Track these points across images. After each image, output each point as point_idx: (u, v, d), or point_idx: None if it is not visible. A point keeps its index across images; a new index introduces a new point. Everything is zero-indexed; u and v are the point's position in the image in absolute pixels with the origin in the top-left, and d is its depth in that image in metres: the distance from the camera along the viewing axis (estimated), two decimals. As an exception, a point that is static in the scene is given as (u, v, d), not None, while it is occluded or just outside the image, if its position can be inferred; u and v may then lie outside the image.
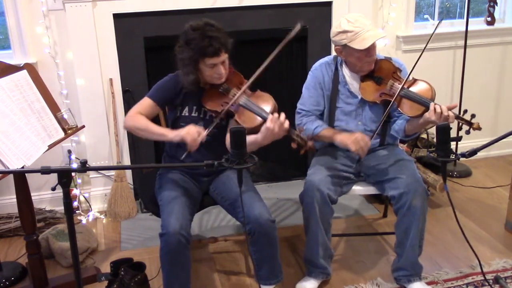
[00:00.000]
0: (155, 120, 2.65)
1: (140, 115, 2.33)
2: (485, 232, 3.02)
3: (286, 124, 2.15)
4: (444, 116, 2.21)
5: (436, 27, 2.37)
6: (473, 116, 2.24)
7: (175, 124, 2.42)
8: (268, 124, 2.14)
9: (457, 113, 2.27)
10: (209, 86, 2.35)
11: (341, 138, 2.40)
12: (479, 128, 2.24)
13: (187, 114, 2.39)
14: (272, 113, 2.23)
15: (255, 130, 2.23)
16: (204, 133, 2.21)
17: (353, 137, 2.35)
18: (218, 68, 2.24)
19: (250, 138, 2.23)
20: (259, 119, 2.23)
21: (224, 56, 2.24)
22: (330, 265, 2.54)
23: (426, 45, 2.35)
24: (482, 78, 3.93)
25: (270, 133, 2.15)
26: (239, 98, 2.28)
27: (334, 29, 2.38)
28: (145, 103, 2.37)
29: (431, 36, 2.33)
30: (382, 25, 3.52)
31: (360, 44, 2.29)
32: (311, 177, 2.39)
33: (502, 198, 3.38)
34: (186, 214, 2.23)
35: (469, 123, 2.25)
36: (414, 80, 2.39)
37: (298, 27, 2.25)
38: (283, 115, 2.16)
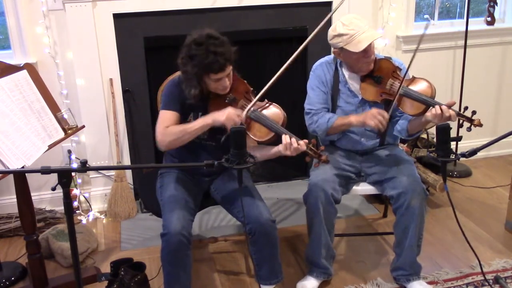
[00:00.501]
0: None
1: (169, 127, 2.25)
2: (485, 232, 3.02)
3: (301, 146, 2.13)
4: (445, 116, 2.21)
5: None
6: (473, 112, 2.24)
7: None
8: (282, 149, 2.15)
9: (458, 110, 2.27)
10: (214, 95, 2.31)
11: (357, 118, 2.38)
12: (480, 125, 2.24)
13: (192, 120, 2.35)
14: (282, 125, 2.22)
15: (266, 143, 2.23)
16: (243, 114, 2.17)
17: (369, 113, 2.34)
18: (223, 81, 2.21)
19: (261, 153, 2.24)
20: (271, 133, 2.21)
21: (229, 69, 2.21)
22: (332, 266, 2.55)
23: (418, 45, 2.34)
24: (482, 78, 3.92)
25: (282, 154, 2.17)
26: (249, 112, 2.23)
27: (331, 32, 2.39)
28: (166, 115, 2.28)
29: (422, 37, 2.30)
30: (382, 25, 3.52)
31: (355, 47, 2.29)
32: (314, 177, 2.39)
33: (502, 198, 3.38)
34: (187, 214, 2.23)
35: (470, 120, 2.25)
36: (414, 79, 2.39)
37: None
38: (294, 141, 2.13)
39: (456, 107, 2.28)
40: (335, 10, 2.27)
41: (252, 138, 2.23)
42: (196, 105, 2.31)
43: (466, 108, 2.28)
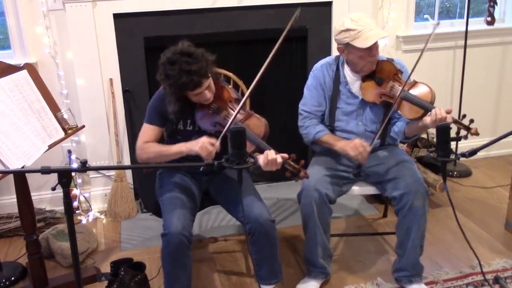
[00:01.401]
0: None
1: (148, 144, 2.30)
2: (485, 232, 3.02)
3: (279, 160, 2.11)
4: (441, 118, 2.22)
5: (430, 38, 2.36)
6: (471, 121, 2.24)
7: (172, 136, 2.41)
8: (263, 165, 2.12)
9: (456, 117, 2.27)
10: (199, 104, 2.30)
11: (341, 145, 2.40)
12: (477, 134, 2.24)
13: (182, 128, 2.37)
14: (263, 138, 2.21)
15: None
16: (217, 143, 2.16)
17: (352, 143, 2.35)
18: (203, 94, 2.21)
19: None
20: (253, 146, 2.20)
21: (207, 82, 2.19)
22: (330, 265, 2.54)
23: (423, 49, 2.34)
24: (482, 78, 3.92)
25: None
26: (231, 124, 2.20)
27: (337, 27, 2.37)
28: (146, 130, 2.34)
29: (429, 40, 2.31)
30: (382, 25, 3.52)
31: (362, 43, 2.29)
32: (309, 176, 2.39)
33: (502, 198, 3.38)
34: (187, 214, 2.23)
35: (467, 128, 2.25)
36: (415, 83, 2.39)
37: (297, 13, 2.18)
38: (272, 154, 2.11)
39: (456, 108, 2.28)
40: (293, 19, 2.24)
41: None
42: (184, 112, 2.31)
43: (464, 116, 2.28)
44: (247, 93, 2.22)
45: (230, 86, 2.39)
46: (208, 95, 2.23)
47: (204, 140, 2.16)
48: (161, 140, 2.40)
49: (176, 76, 2.11)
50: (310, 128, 2.50)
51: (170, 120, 2.35)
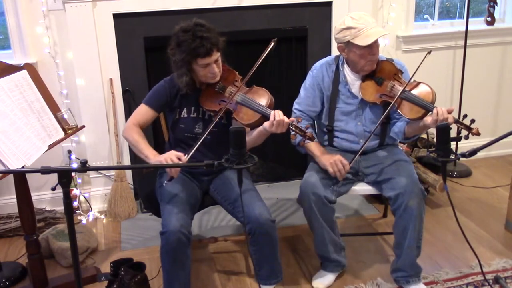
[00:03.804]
0: (155, 122, 2.66)
1: (136, 128, 2.33)
2: (485, 232, 3.02)
3: (286, 121, 2.17)
4: (443, 119, 2.22)
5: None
6: (472, 121, 2.24)
7: (174, 126, 2.42)
8: (268, 126, 2.17)
9: (457, 117, 2.27)
10: (205, 86, 2.36)
11: (321, 159, 2.41)
12: (478, 134, 2.24)
13: (185, 115, 2.39)
14: (269, 106, 2.25)
15: (254, 125, 2.26)
16: (185, 158, 2.17)
17: (333, 159, 2.36)
18: (212, 67, 2.25)
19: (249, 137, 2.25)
20: (257, 114, 2.25)
21: (216, 55, 2.24)
22: (344, 256, 2.57)
23: (424, 57, 2.34)
24: (482, 78, 3.92)
25: (270, 132, 2.19)
26: (236, 96, 2.29)
27: (338, 26, 2.37)
28: (142, 110, 2.37)
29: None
30: (382, 25, 3.52)
31: (363, 41, 2.28)
32: (305, 181, 2.40)
33: (502, 198, 3.38)
34: (187, 212, 2.24)
35: (469, 128, 2.25)
36: (416, 83, 2.39)
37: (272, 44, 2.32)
38: (280, 113, 2.17)
39: (456, 108, 2.28)
40: (269, 49, 2.32)
41: (239, 122, 2.27)
42: (188, 99, 2.35)
43: (465, 115, 2.28)
44: (253, 68, 2.28)
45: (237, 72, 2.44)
46: (216, 69, 2.26)
47: (170, 155, 2.17)
48: (155, 129, 2.36)
49: (189, 41, 2.17)
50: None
51: (172, 107, 2.38)
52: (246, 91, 2.34)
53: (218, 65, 2.28)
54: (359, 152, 2.40)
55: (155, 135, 3.37)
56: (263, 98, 2.30)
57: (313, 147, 2.47)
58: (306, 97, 2.54)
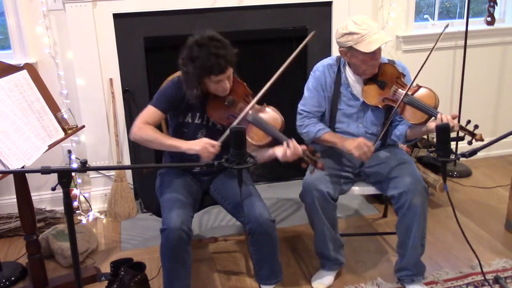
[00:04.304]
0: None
1: (147, 125, 2.28)
2: (485, 232, 3.02)
3: (299, 150, 2.15)
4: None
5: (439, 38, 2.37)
6: (476, 127, 2.24)
7: (177, 129, 2.40)
8: (281, 155, 2.16)
9: (460, 122, 2.27)
10: (213, 95, 2.31)
11: (343, 144, 2.39)
12: (481, 139, 2.24)
13: (190, 120, 2.37)
14: (280, 129, 2.23)
15: (263, 146, 2.23)
16: (218, 144, 2.16)
17: (356, 143, 2.34)
18: (224, 83, 2.22)
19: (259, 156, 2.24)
20: (269, 137, 2.22)
21: (230, 71, 2.21)
22: (343, 255, 2.57)
23: (430, 53, 2.34)
24: (482, 78, 3.92)
25: (279, 158, 2.18)
26: (247, 115, 2.24)
27: (340, 30, 2.35)
28: (150, 111, 2.31)
29: (435, 45, 2.32)
30: (382, 25, 3.52)
31: (366, 47, 2.27)
32: (308, 177, 2.39)
33: (502, 198, 3.38)
34: (187, 210, 2.23)
35: (472, 134, 2.25)
36: (418, 87, 2.38)
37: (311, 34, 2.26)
38: (295, 144, 2.15)
39: (456, 108, 2.28)
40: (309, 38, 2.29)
41: (249, 141, 2.23)
42: (195, 105, 2.31)
43: (468, 121, 2.27)
44: (265, 87, 2.23)
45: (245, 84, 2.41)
46: (227, 85, 2.24)
47: (205, 141, 2.16)
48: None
49: (204, 58, 2.12)
50: (310, 126, 2.49)
51: (177, 110, 2.34)
52: (258, 109, 2.29)
53: (230, 80, 2.25)
54: (380, 136, 2.38)
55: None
56: (275, 121, 2.25)
57: (328, 136, 2.46)
58: (311, 98, 2.53)
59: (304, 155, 2.15)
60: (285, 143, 2.16)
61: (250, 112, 2.24)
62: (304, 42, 2.29)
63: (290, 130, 2.31)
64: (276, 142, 2.21)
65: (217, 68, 2.13)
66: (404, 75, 2.42)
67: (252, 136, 2.24)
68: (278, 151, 2.18)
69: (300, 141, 2.27)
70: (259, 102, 2.29)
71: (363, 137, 2.38)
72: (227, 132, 2.19)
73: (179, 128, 2.39)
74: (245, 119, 2.23)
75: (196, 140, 2.20)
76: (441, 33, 2.31)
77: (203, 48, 2.13)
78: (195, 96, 2.24)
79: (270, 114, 2.28)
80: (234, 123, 2.20)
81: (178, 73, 2.37)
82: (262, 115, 2.27)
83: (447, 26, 2.36)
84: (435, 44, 2.32)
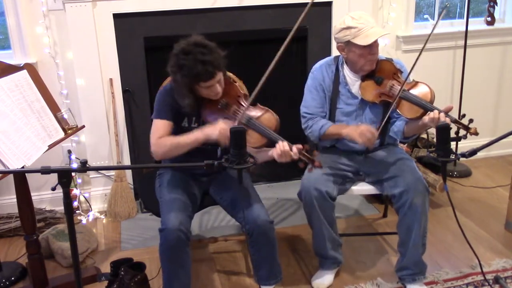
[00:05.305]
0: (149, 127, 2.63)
1: (163, 138, 2.24)
2: (485, 232, 3.02)
3: (294, 150, 2.12)
4: (441, 121, 2.21)
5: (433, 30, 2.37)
6: (471, 121, 2.24)
7: (174, 133, 2.39)
8: (276, 157, 2.13)
9: (456, 117, 2.27)
10: (207, 99, 2.29)
11: (347, 132, 2.38)
12: (476, 133, 2.24)
13: (186, 125, 2.36)
14: (275, 130, 2.21)
15: (259, 148, 2.22)
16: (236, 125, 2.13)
17: (359, 130, 2.33)
18: (215, 87, 2.20)
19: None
20: (264, 138, 2.21)
21: (219, 76, 2.18)
22: (340, 253, 2.57)
23: (423, 46, 2.35)
24: (482, 78, 3.92)
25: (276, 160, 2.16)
26: (242, 118, 2.22)
27: (338, 26, 2.37)
28: (158, 125, 2.27)
29: (428, 37, 2.32)
30: (382, 25, 3.52)
31: (363, 40, 2.28)
32: (307, 176, 2.39)
33: (502, 198, 3.38)
34: (186, 211, 2.23)
35: (467, 128, 2.25)
36: (415, 82, 2.39)
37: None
38: (285, 145, 2.12)
39: (456, 108, 2.28)
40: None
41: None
42: (190, 110, 2.30)
43: (463, 115, 2.28)
44: (257, 87, 2.21)
45: (237, 83, 2.39)
46: (219, 89, 2.22)
47: (222, 126, 2.13)
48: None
49: (191, 66, 2.09)
50: (314, 126, 2.49)
51: (177, 115, 2.32)
52: (252, 111, 2.27)
53: (221, 84, 2.22)
54: (383, 123, 2.36)
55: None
56: (270, 122, 2.24)
57: (332, 129, 2.45)
58: (313, 100, 2.53)
59: (300, 155, 2.14)
60: (281, 144, 2.14)
61: (244, 115, 2.23)
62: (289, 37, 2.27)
63: (290, 130, 2.30)
64: (272, 143, 2.20)
65: (205, 75, 2.11)
66: (401, 72, 2.43)
67: (248, 139, 2.22)
68: (274, 153, 2.16)
69: (303, 140, 2.26)
70: (253, 104, 2.28)
71: (366, 124, 2.37)
72: (241, 114, 2.19)
73: (177, 133, 2.38)
74: (240, 122, 2.22)
75: (212, 126, 2.16)
76: (440, 13, 2.29)
77: (189, 56, 2.10)
78: (188, 105, 2.22)
79: (264, 116, 2.26)
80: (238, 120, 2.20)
81: (170, 79, 2.35)
82: (256, 118, 2.25)
83: (445, 7, 2.33)
84: (433, 29, 2.31)
